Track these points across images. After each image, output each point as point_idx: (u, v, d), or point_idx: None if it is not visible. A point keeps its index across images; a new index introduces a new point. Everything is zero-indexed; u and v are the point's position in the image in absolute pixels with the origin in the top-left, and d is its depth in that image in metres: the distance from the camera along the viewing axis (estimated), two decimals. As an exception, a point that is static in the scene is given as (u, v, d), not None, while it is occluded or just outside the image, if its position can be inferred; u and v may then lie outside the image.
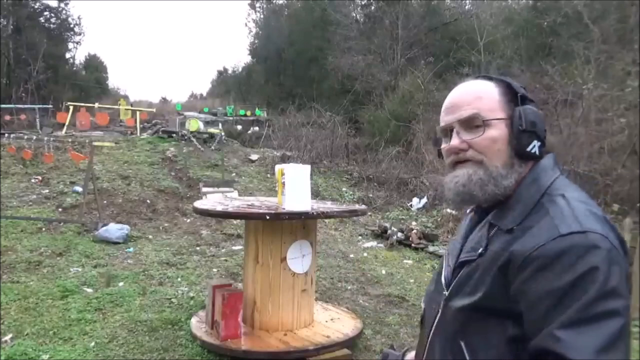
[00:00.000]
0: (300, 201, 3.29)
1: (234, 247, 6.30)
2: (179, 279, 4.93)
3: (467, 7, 21.66)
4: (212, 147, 12.26)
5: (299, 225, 3.50)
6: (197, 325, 3.61)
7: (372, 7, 21.76)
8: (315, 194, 8.96)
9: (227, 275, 5.21)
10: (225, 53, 69.33)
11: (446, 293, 1.01)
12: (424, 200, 9.19)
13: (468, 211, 1.17)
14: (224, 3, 65.71)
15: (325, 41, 20.24)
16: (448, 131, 1.04)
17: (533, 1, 16.86)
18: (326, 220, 7.67)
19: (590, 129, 7.77)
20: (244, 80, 27.81)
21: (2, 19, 20.81)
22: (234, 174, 10.54)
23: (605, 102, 7.73)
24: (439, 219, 7.98)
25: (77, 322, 3.76)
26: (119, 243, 6.11)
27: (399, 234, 7.02)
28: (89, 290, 4.47)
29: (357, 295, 4.81)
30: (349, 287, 5.04)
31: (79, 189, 7.98)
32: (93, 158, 7.38)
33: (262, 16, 27.97)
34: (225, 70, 32.75)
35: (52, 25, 24.76)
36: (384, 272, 5.62)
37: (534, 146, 0.98)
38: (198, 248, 6.24)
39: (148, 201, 8.11)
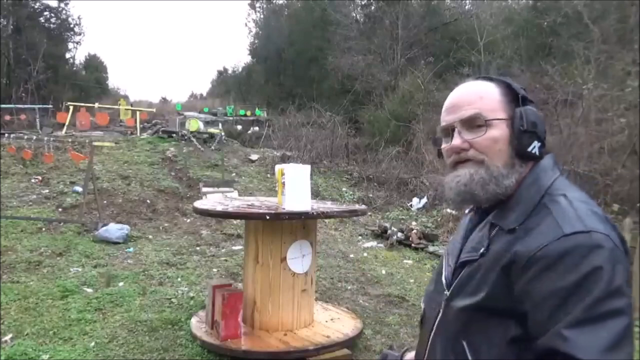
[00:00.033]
0: (300, 201, 3.29)
1: (234, 247, 6.30)
2: (179, 279, 4.93)
3: (467, 7, 21.67)
4: (212, 147, 12.26)
5: (299, 225, 3.50)
6: (197, 325, 3.61)
7: (372, 7, 21.76)
8: (315, 194, 8.96)
9: (227, 275, 5.21)
10: (225, 53, 69.40)
11: (447, 293, 1.01)
12: (424, 200, 9.19)
13: (467, 211, 1.17)
14: (224, 3, 65.75)
15: (325, 41, 20.24)
16: (449, 131, 1.04)
17: (533, 1, 16.86)
18: (326, 220, 7.67)
19: (590, 129, 7.76)
20: (244, 80, 27.81)
21: (2, 19, 20.82)
22: (234, 174, 10.54)
23: (605, 102, 7.72)
24: (439, 219, 7.98)
25: (77, 322, 3.76)
26: (119, 243, 6.11)
27: (399, 234, 7.02)
28: (89, 290, 4.47)
29: (357, 295, 4.81)
30: (349, 287, 5.04)
31: (79, 189, 7.98)
32: (93, 158, 7.38)
33: (262, 16, 27.99)
34: (225, 70, 32.80)
35: (52, 25, 24.76)
36: (384, 272, 5.62)
37: (535, 147, 0.99)
38: (198, 248, 6.24)
39: (148, 201, 8.11)
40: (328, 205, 3.98)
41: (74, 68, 26.85)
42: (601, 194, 6.78)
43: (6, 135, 9.89)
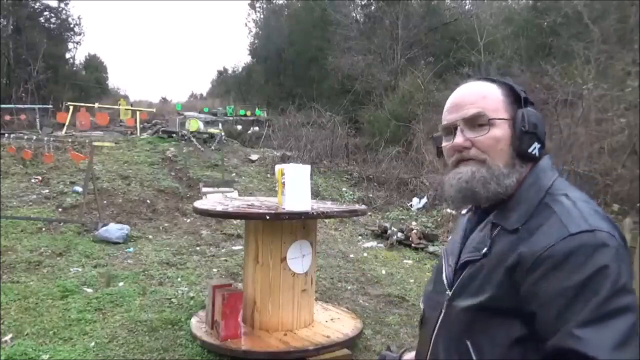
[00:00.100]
0: (300, 201, 3.29)
1: (234, 247, 6.30)
2: (179, 279, 4.93)
3: (467, 7, 21.69)
4: (212, 147, 12.26)
5: (299, 225, 3.50)
6: (197, 325, 3.61)
7: (372, 7, 21.77)
8: (315, 194, 8.96)
9: (227, 275, 5.21)
10: (225, 53, 69.46)
11: (449, 293, 1.02)
12: (424, 200, 9.19)
13: (465, 211, 1.18)
14: (224, 3, 65.77)
15: (325, 41, 20.24)
16: (451, 129, 1.05)
17: (533, 1, 16.86)
18: (326, 220, 7.67)
19: (590, 129, 7.76)
20: (244, 80, 27.82)
21: (2, 19, 20.82)
22: (234, 174, 10.54)
23: (605, 102, 7.72)
24: (439, 219, 7.98)
25: (77, 322, 3.76)
26: (119, 243, 6.11)
27: (399, 234, 7.02)
28: (89, 290, 4.47)
29: (357, 295, 4.81)
30: (349, 287, 5.04)
31: (79, 189, 7.98)
32: (93, 158, 7.38)
33: (262, 16, 27.99)
34: (225, 70, 32.81)
35: (52, 25, 24.77)
36: (384, 272, 5.62)
37: (535, 148, 1.00)
38: (198, 248, 6.24)
39: (148, 201, 8.11)
40: (328, 205, 3.98)
41: (74, 68, 26.87)
42: (601, 194, 6.77)
43: (6, 135, 9.89)
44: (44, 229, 6.52)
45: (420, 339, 1.13)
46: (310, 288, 3.64)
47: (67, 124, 13.53)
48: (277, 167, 3.49)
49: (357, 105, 17.07)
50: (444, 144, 1.09)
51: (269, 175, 10.69)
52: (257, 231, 3.51)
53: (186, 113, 16.60)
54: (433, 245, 6.74)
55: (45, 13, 24.38)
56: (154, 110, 18.50)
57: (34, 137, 9.63)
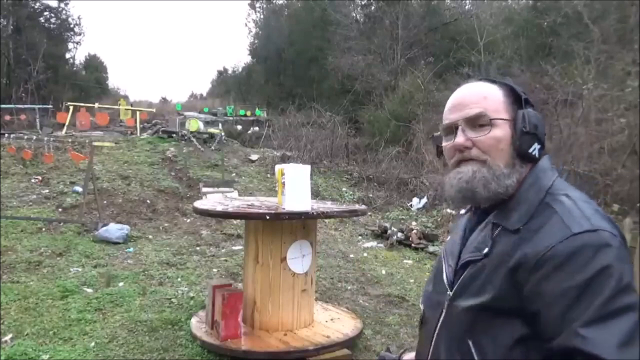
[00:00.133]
0: (300, 201, 3.29)
1: (234, 247, 6.30)
2: (179, 279, 4.93)
3: (467, 7, 21.69)
4: (212, 147, 12.26)
5: (299, 225, 3.50)
6: (197, 325, 3.61)
7: (372, 7, 21.77)
8: (315, 194, 8.96)
9: (227, 275, 5.21)
10: (225, 53, 69.45)
11: (450, 293, 1.02)
12: (424, 200, 9.19)
13: (464, 212, 1.18)
14: (224, 3, 65.77)
15: (325, 41, 20.24)
16: (452, 129, 1.05)
17: (533, 1, 16.86)
18: (326, 220, 7.67)
19: (590, 129, 7.76)
20: (244, 80, 27.82)
21: (2, 19, 20.82)
22: (234, 174, 10.54)
23: (605, 102, 7.72)
24: (439, 219, 7.98)
25: (77, 322, 3.76)
26: (119, 243, 6.10)
27: (399, 234, 7.02)
28: (89, 290, 4.47)
29: (357, 295, 4.81)
30: (349, 287, 5.04)
31: (79, 189, 7.98)
32: (93, 158, 7.38)
33: (262, 16, 28.00)
34: (225, 70, 32.82)
35: (52, 25, 24.77)
36: (384, 272, 5.62)
37: (535, 148, 1.01)
38: (198, 248, 6.24)
39: (148, 201, 8.11)
40: (328, 205, 3.98)
41: (74, 68, 26.88)
42: (601, 194, 6.77)
43: (6, 135, 9.89)
44: (44, 229, 6.52)
45: (421, 339, 1.12)
46: (310, 288, 3.64)
47: (67, 124, 13.53)
48: (277, 167, 3.49)
49: (357, 105, 17.07)
50: (444, 143, 1.09)
51: (269, 175, 10.69)
52: (257, 231, 3.51)
53: (186, 113, 16.60)
54: (433, 245, 6.74)
55: (45, 13, 24.40)
56: (154, 110, 18.51)
57: (34, 137, 9.63)
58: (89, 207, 7.14)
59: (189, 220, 7.59)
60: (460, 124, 1.03)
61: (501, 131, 1.00)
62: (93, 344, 3.42)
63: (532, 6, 16.62)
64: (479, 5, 19.82)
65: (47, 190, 8.11)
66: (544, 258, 0.87)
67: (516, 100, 1.04)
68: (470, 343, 0.94)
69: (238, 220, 6.72)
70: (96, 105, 15.73)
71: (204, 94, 34.30)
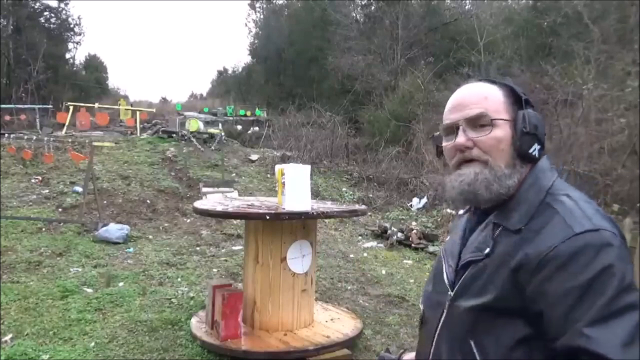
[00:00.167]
0: (300, 201, 3.29)
1: (234, 247, 6.30)
2: (179, 279, 4.93)
3: (467, 7, 21.69)
4: (212, 147, 12.26)
5: (299, 225, 3.50)
6: (197, 325, 3.61)
7: (372, 7, 21.77)
8: (315, 194, 8.96)
9: (227, 275, 5.21)
10: (225, 53, 69.46)
11: (451, 293, 1.02)
12: (424, 200, 9.19)
13: (462, 212, 1.18)
14: (224, 3, 65.78)
15: (325, 41, 20.25)
16: (453, 129, 1.05)
17: (533, 1, 16.86)
18: (326, 220, 7.67)
19: (590, 129, 7.76)
20: (244, 80, 27.83)
21: (2, 19, 20.82)
22: (234, 174, 10.54)
23: (605, 102, 7.72)
24: (439, 219, 7.98)
25: (77, 322, 3.76)
26: (119, 243, 6.10)
27: (399, 234, 7.02)
28: (89, 290, 4.47)
29: (357, 295, 4.81)
30: (349, 287, 5.04)
31: (79, 189, 7.98)
32: (93, 158, 7.37)
33: (262, 16, 28.00)
34: (225, 70, 32.82)
35: (52, 25, 24.77)
36: (384, 272, 5.62)
37: (535, 149, 1.01)
38: (198, 248, 6.24)
39: (148, 201, 8.11)
40: (328, 205, 3.98)
41: (74, 68, 26.88)
42: (601, 194, 6.77)
43: (6, 135, 9.89)
44: (44, 229, 6.52)
45: (421, 339, 1.12)
46: (310, 288, 3.64)
47: (67, 124, 13.53)
48: (277, 167, 3.50)
49: (357, 105, 17.07)
50: (444, 143, 1.09)
51: (269, 175, 10.69)
52: (257, 231, 3.51)
53: (186, 113, 16.60)
54: (433, 245, 6.74)
55: (45, 13, 24.40)
56: (154, 110, 18.51)
57: (34, 137, 9.63)
58: (89, 207, 7.14)
59: (189, 220, 7.59)
60: (461, 124, 1.03)
61: (502, 131, 1.01)
62: (93, 344, 3.42)
63: (532, 6, 16.63)
64: (479, 5, 19.83)
65: (47, 190, 8.11)
66: (547, 258, 0.87)
67: (516, 100, 1.04)
68: (472, 343, 0.94)
69: (238, 220, 6.72)
70: (96, 105, 15.73)
71: (204, 94, 34.35)
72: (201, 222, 7.39)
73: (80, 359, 3.23)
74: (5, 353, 3.22)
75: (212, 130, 13.57)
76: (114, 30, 75.11)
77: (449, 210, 7.85)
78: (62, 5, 24.61)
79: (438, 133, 1.14)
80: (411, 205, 9.30)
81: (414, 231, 6.97)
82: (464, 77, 12.78)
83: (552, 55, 12.26)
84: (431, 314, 1.07)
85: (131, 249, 5.94)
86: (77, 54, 48.30)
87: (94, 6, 64.02)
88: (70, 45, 26.08)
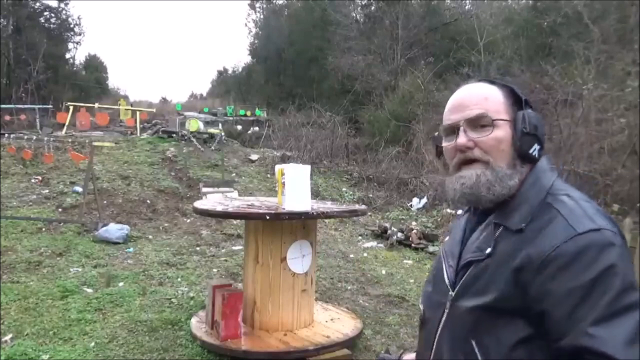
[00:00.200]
0: (300, 201, 3.29)
1: (234, 247, 6.30)
2: (179, 279, 4.93)
3: (467, 7, 21.70)
4: (212, 147, 12.26)
5: (299, 225, 3.50)
6: (197, 325, 3.61)
7: (372, 7, 21.78)
8: (315, 194, 8.96)
9: (227, 275, 5.21)
10: (225, 53, 69.51)
11: (452, 294, 1.02)
12: (424, 200, 9.19)
13: (462, 212, 1.18)
14: (224, 3, 65.79)
15: (325, 41, 20.25)
16: (454, 129, 1.05)
17: (533, 1, 16.87)
18: (326, 220, 7.67)
19: (590, 129, 7.76)
20: (244, 80, 27.84)
21: (2, 19, 20.82)
22: (234, 174, 10.54)
23: (605, 102, 7.72)
24: (439, 219, 7.98)
25: (77, 322, 3.76)
26: (119, 243, 6.10)
27: (399, 234, 7.02)
28: (89, 290, 4.47)
29: (357, 295, 4.81)
30: (349, 287, 5.04)
31: (79, 189, 7.98)
32: (93, 158, 7.37)
33: (262, 16, 28.01)
34: (225, 70, 32.83)
35: (52, 25, 24.77)
36: (384, 272, 5.62)
37: (535, 149, 1.02)
38: (198, 248, 6.24)
39: (148, 201, 8.11)
40: (328, 205, 3.98)
41: (74, 68, 26.88)
42: (601, 194, 6.77)
43: (6, 135, 9.89)
44: (44, 229, 6.52)
45: (421, 339, 1.12)
46: (310, 288, 3.64)
47: (67, 124, 13.53)
48: (277, 167, 3.49)
49: (357, 105, 17.07)
50: (444, 144, 1.09)
51: (269, 175, 10.69)
52: (257, 231, 3.51)
53: (186, 113, 16.59)
54: (433, 245, 6.73)
55: (45, 13, 24.40)
56: (154, 110, 18.51)
57: (34, 137, 9.63)
58: (89, 207, 7.14)
59: (189, 220, 7.59)
60: (461, 125, 1.03)
61: (502, 132, 1.01)
62: (93, 344, 3.42)
63: (532, 6, 16.63)
64: (479, 5, 19.84)
65: (47, 190, 8.11)
66: (549, 258, 0.87)
67: (516, 101, 1.05)
68: (474, 343, 0.94)
69: (238, 220, 6.72)
70: (96, 105, 15.73)
71: (204, 94, 34.37)
72: (201, 222, 7.39)
73: (80, 359, 3.23)
74: (5, 353, 3.22)
75: (212, 130, 13.57)
76: (114, 30, 75.15)
77: (449, 210, 7.85)
78: (62, 5, 24.65)
79: (438, 133, 1.14)
80: (411, 205, 9.30)
81: (414, 231, 6.96)
82: (464, 77, 12.78)
83: (552, 55, 12.25)
84: (432, 314, 1.07)
85: (131, 249, 5.94)
86: (77, 54, 48.36)
87: (94, 6, 64.10)
88: (70, 45, 26.12)
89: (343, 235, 7.54)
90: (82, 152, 9.08)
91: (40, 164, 9.19)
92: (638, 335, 0.81)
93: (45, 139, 9.40)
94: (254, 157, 12.18)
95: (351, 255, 6.26)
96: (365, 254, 6.41)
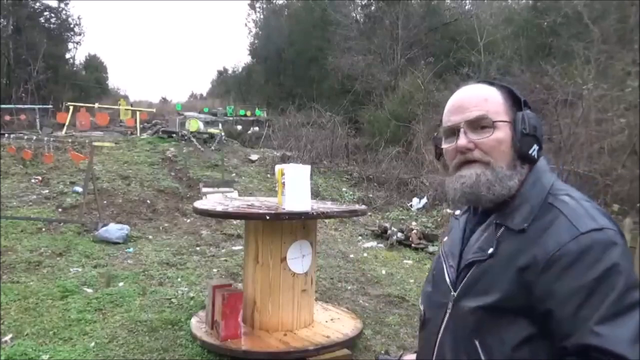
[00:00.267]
0: (300, 201, 3.29)
1: (234, 247, 6.30)
2: (179, 279, 4.93)
3: (467, 7, 21.71)
4: (212, 147, 12.26)
5: (299, 225, 3.50)
6: (197, 325, 3.61)
7: (372, 7, 21.78)
8: (315, 194, 8.96)
9: (227, 275, 5.21)
10: (225, 53, 69.55)
11: (454, 294, 1.02)
12: (424, 200, 9.19)
13: (459, 212, 1.19)
14: (224, 3, 65.80)
15: (325, 41, 20.25)
16: (454, 131, 1.06)
17: (533, 1, 16.87)
18: (326, 220, 7.66)
19: (590, 129, 7.76)
20: (244, 80, 27.84)
21: (2, 19, 20.82)
22: (234, 174, 10.54)
23: (605, 102, 7.72)
24: (439, 219, 7.98)
25: (77, 322, 3.76)
26: (119, 243, 6.10)
27: (399, 234, 7.02)
28: (89, 290, 4.47)
29: (357, 295, 4.81)
30: (349, 287, 5.04)
31: (79, 189, 7.98)
32: (93, 158, 7.37)
33: (262, 16, 28.01)
34: (225, 70, 32.84)
35: (52, 25, 24.78)
36: (384, 272, 5.62)
37: (534, 150, 1.02)
38: (198, 248, 6.24)
39: (148, 201, 8.11)
40: (328, 205, 3.98)
41: (74, 68, 26.88)
42: (601, 194, 6.77)
43: (6, 135, 9.89)
44: (44, 229, 6.52)
45: (422, 340, 1.12)
46: (310, 288, 3.64)
47: (67, 124, 13.53)
48: (277, 167, 3.49)
49: (357, 105, 17.07)
50: (445, 145, 1.09)
51: (269, 175, 10.69)
52: (257, 231, 3.51)
53: (186, 113, 16.60)
54: (433, 246, 6.73)
55: (45, 13, 24.40)
56: (154, 110, 18.52)
57: (34, 137, 9.64)
58: (89, 207, 7.14)
59: (189, 220, 7.59)
60: (462, 126, 1.04)
61: (502, 133, 1.02)
62: (93, 344, 3.42)
63: (532, 6, 16.64)
64: (479, 5, 19.84)
65: (47, 190, 8.11)
66: (553, 258, 0.88)
67: (515, 102, 1.05)
68: (477, 343, 0.94)
69: (238, 220, 6.72)
70: (96, 105, 15.73)
71: (204, 94, 34.39)
72: (201, 222, 7.39)
73: (80, 359, 3.23)
74: (5, 353, 3.22)
75: (212, 130, 13.57)
76: (114, 30, 75.17)
77: (449, 210, 7.85)
78: (62, 5, 24.66)
79: (438, 134, 1.14)
80: (411, 205, 9.30)
81: (414, 231, 6.97)
82: (464, 77, 12.79)
83: (552, 55, 12.26)
84: (433, 314, 1.07)
85: (131, 249, 5.94)
86: (77, 54, 48.33)
87: (94, 6, 64.10)
88: (70, 45, 26.14)
89: (343, 235, 7.54)
90: (82, 152, 9.08)
91: (40, 164, 9.19)
92: None
93: (45, 139, 9.41)
94: (254, 157, 12.18)
95: (351, 255, 6.26)
96: (365, 254, 6.41)
